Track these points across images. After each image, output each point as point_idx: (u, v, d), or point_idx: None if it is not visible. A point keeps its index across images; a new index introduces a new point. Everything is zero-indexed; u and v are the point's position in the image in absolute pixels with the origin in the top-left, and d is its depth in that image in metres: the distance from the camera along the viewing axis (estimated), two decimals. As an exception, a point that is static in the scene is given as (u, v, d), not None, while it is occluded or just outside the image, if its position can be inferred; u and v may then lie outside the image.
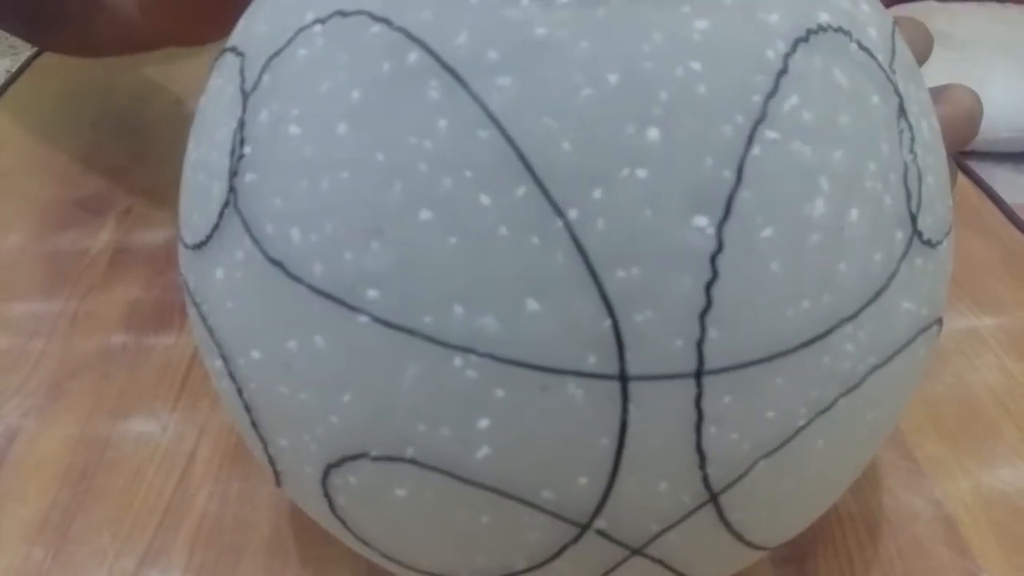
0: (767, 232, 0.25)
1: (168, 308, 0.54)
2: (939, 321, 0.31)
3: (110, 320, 0.54)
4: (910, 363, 0.30)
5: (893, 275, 0.27)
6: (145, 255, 0.59)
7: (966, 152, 0.68)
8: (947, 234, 0.30)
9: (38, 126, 0.73)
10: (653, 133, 0.24)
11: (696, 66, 0.25)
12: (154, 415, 0.47)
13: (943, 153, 0.31)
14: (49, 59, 0.83)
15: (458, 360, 0.25)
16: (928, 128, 0.30)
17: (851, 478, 0.32)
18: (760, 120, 0.25)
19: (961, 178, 0.67)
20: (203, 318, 0.30)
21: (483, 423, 0.25)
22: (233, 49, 0.30)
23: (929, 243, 0.29)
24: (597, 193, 0.24)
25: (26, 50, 0.83)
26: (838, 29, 0.27)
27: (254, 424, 0.30)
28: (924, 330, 0.29)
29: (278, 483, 0.31)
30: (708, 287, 0.25)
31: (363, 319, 0.25)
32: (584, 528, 0.27)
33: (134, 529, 0.42)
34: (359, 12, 0.26)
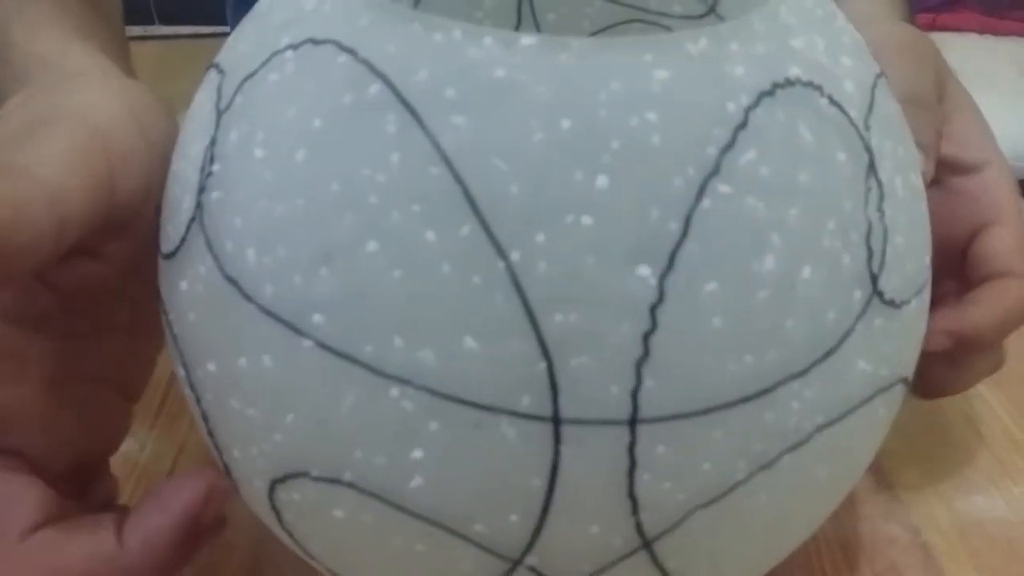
0: (711, 286, 0.26)
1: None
2: (904, 380, 0.32)
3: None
4: (866, 422, 0.31)
5: (847, 334, 0.29)
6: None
7: None
8: (918, 293, 0.32)
9: None
10: (602, 181, 0.26)
11: (652, 116, 0.26)
12: (132, 433, 0.48)
13: (921, 211, 0.32)
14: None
15: (395, 390, 0.27)
16: (903, 185, 0.31)
17: (806, 531, 0.34)
18: (713, 173, 0.26)
19: None
20: (170, 326, 0.32)
21: (417, 454, 0.27)
22: (216, 66, 0.32)
23: (892, 303, 0.30)
24: (540, 237, 0.26)
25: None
26: (808, 83, 0.28)
27: (210, 433, 0.32)
28: (883, 390, 0.31)
29: (235, 491, 0.33)
30: (646, 337, 0.26)
31: (307, 343, 0.27)
32: (515, 564, 0.29)
33: (110, 547, 0.44)
34: (329, 41, 0.28)
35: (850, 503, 0.46)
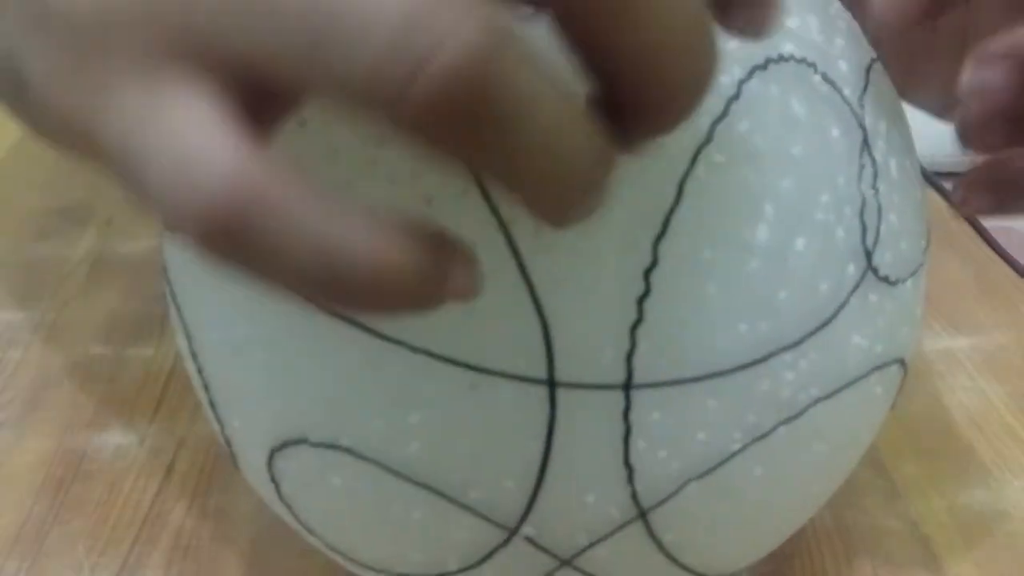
0: (705, 252, 0.30)
1: (148, 319, 0.60)
2: (901, 361, 0.35)
3: (89, 331, 0.60)
4: (862, 399, 0.34)
5: (841, 307, 0.32)
6: (125, 265, 0.65)
7: (943, 173, 0.74)
8: (913, 273, 0.35)
9: (21, 134, 0.79)
10: (596, 147, 0.29)
11: (645, 86, 0.29)
12: (132, 427, 0.53)
13: (917, 194, 0.35)
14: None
15: (392, 353, 0.30)
16: (898, 167, 0.34)
17: (803, 510, 0.37)
18: (706, 142, 0.30)
19: (938, 199, 0.75)
20: (174, 297, 0.36)
21: (414, 417, 0.30)
22: None
23: (887, 280, 0.33)
24: (536, 201, 0.29)
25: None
26: (801, 60, 0.32)
27: (212, 404, 0.35)
28: (879, 368, 0.34)
29: (236, 465, 0.37)
30: (640, 301, 0.29)
31: (306, 307, 0.30)
32: (512, 533, 0.32)
33: (110, 542, 0.47)
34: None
35: (849, 495, 0.49)
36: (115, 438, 0.52)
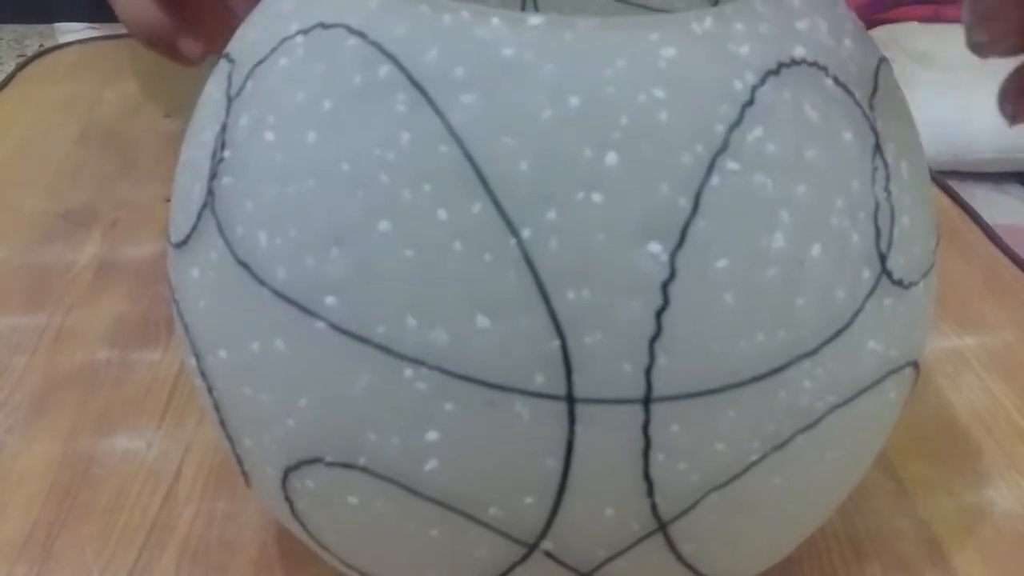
0: (722, 262, 0.28)
1: (154, 323, 0.59)
2: (914, 364, 0.34)
3: (95, 335, 0.58)
4: (878, 404, 0.33)
5: (857, 313, 0.31)
6: (131, 269, 0.64)
7: (947, 172, 0.74)
8: (925, 275, 0.34)
9: (24, 138, 0.79)
10: (611, 157, 0.28)
11: (659, 93, 0.28)
12: (139, 432, 0.52)
13: (926, 194, 0.34)
14: (35, 70, 0.90)
15: (409, 371, 0.29)
16: (908, 168, 0.33)
17: (819, 517, 0.36)
18: (721, 150, 0.28)
19: (943, 198, 0.74)
20: (181, 315, 0.34)
21: (432, 435, 0.29)
22: (227, 55, 0.34)
23: (901, 283, 0.32)
24: (551, 214, 0.28)
25: (10, 62, 0.88)
26: (813, 63, 0.31)
27: (222, 423, 0.34)
28: (894, 372, 0.33)
29: (247, 483, 0.35)
30: (659, 314, 0.28)
31: (320, 325, 0.29)
32: (531, 548, 0.31)
33: (118, 547, 0.46)
34: (338, 25, 0.30)
35: (858, 497, 0.47)
36: (122, 443, 0.51)
